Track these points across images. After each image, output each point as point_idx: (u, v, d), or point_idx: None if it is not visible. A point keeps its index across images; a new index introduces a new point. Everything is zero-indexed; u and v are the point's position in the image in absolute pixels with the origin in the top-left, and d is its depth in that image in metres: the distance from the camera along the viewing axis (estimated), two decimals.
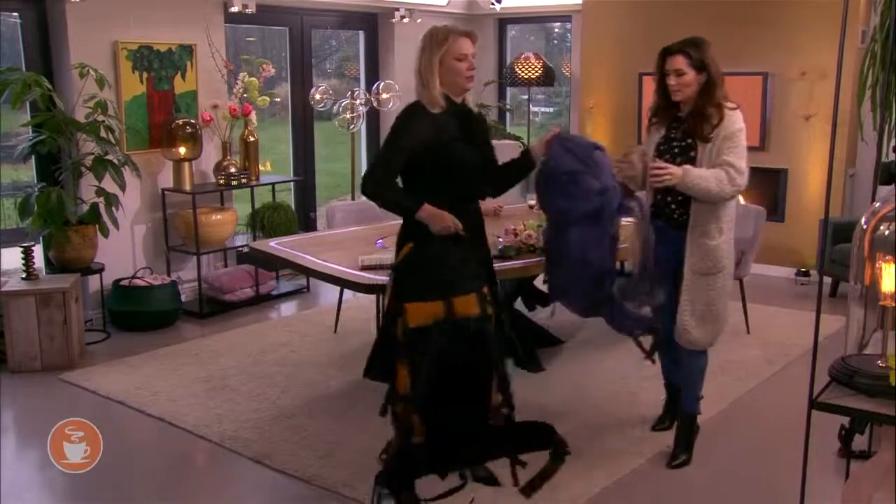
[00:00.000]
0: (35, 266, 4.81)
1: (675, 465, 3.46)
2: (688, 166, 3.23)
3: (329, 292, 6.01)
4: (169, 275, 5.70)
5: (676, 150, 3.33)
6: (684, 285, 3.35)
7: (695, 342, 3.40)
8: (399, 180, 2.94)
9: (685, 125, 3.33)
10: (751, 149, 6.74)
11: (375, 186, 2.87)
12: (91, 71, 4.98)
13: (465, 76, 2.88)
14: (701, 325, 3.37)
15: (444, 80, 2.86)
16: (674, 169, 3.20)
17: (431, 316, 2.68)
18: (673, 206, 3.34)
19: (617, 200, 3.03)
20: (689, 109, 3.31)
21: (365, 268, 3.95)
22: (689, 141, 3.31)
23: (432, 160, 2.85)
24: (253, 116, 5.96)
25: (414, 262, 2.80)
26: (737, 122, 3.26)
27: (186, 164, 5.63)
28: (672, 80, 3.27)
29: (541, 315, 5.00)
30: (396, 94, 6.73)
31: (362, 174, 3.00)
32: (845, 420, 3.32)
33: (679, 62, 3.25)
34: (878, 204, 2.28)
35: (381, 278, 3.73)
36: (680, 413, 3.59)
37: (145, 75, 5.55)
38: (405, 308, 2.71)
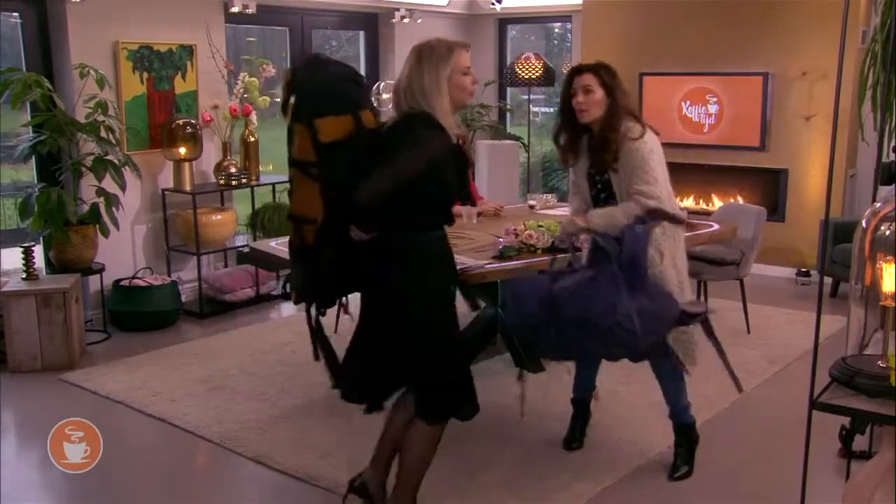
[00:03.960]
0: (35, 266, 4.81)
1: (676, 477, 3.41)
2: (590, 212, 3.23)
3: None
4: (169, 275, 5.70)
5: (599, 187, 3.30)
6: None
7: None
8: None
9: (592, 157, 3.27)
10: (751, 149, 6.74)
11: (372, 198, 2.65)
12: (91, 71, 4.98)
13: (468, 91, 2.79)
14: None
15: (452, 98, 2.73)
16: (568, 225, 3.25)
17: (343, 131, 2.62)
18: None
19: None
20: (592, 142, 3.25)
21: None
22: (606, 175, 3.26)
23: (436, 180, 2.71)
24: (253, 117, 5.97)
25: None
26: (639, 151, 3.14)
27: (187, 165, 5.63)
28: (580, 98, 3.19)
29: None
30: None
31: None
32: (846, 420, 3.29)
33: (588, 79, 3.19)
34: (878, 204, 2.27)
35: None
36: (675, 426, 3.50)
37: (146, 75, 5.55)
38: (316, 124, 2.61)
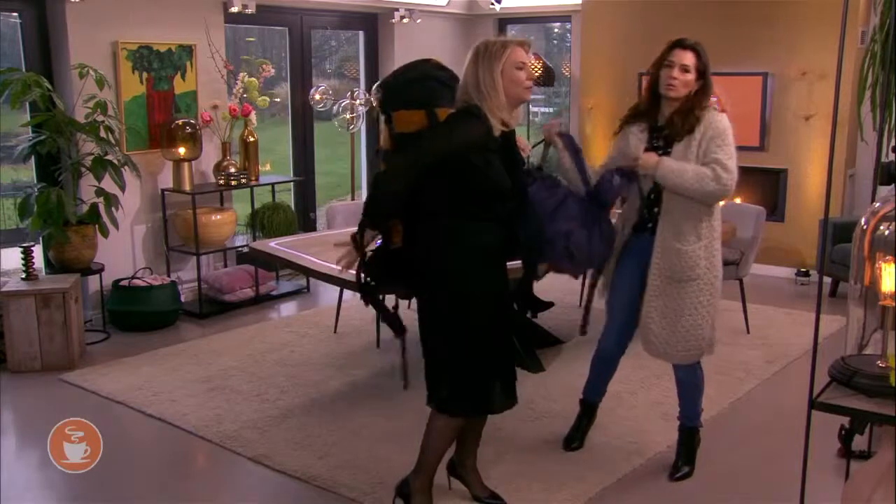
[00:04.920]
0: (35, 266, 4.81)
1: (677, 478, 3.40)
2: (665, 158, 3.16)
3: (329, 292, 6.01)
4: (169, 275, 5.70)
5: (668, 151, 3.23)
6: (649, 291, 3.24)
7: (661, 355, 3.31)
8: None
9: (667, 128, 3.22)
10: (751, 149, 6.77)
11: (395, 174, 2.83)
12: (91, 71, 4.98)
13: (524, 86, 2.80)
14: (668, 337, 3.23)
15: (507, 93, 2.77)
16: (646, 157, 3.15)
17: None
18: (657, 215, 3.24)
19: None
20: (675, 109, 3.20)
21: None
22: (670, 149, 3.21)
23: (466, 168, 2.75)
24: (253, 117, 5.96)
25: None
26: (724, 122, 3.19)
27: (186, 165, 5.63)
28: (675, 73, 3.14)
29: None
30: None
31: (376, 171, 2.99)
32: (845, 420, 3.31)
33: (689, 58, 3.16)
34: (877, 204, 2.28)
35: None
36: (680, 427, 3.49)
37: (145, 75, 5.55)
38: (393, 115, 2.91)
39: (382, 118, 3.00)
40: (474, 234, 2.82)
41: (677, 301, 3.21)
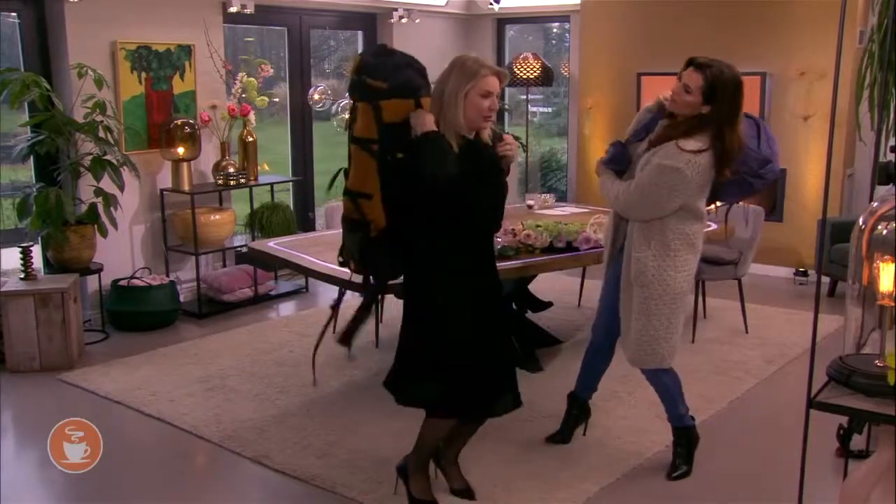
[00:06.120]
0: (34, 266, 4.81)
1: (675, 477, 3.41)
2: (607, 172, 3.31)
3: (328, 292, 6.01)
4: (167, 275, 5.70)
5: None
6: (620, 293, 3.33)
7: (628, 356, 3.37)
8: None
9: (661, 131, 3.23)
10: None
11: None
12: (89, 71, 4.98)
13: (483, 115, 2.81)
14: (630, 340, 3.30)
15: (465, 115, 2.78)
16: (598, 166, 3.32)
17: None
18: None
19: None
20: (672, 122, 3.19)
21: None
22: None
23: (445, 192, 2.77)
24: (251, 116, 5.97)
25: None
26: (666, 159, 3.06)
27: (185, 165, 5.63)
28: (676, 89, 3.12)
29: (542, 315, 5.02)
30: None
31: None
32: (843, 419, 3.32)
33: (694, 79, 3.06)
34: (875, 204, 2.28)
35: None
36: (673, 429, 3.49)
37: (144, 75, 5.55)
38: (381, 106, 2.82)
39: (360, 104, 2.87)
40: (433, 241, 2.88)
41: (632, 303, 3.28)
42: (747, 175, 3.23)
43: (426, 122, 2.77)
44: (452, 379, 2.90)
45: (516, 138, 3.44)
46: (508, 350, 3.14)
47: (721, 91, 3.06)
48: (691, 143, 3.07)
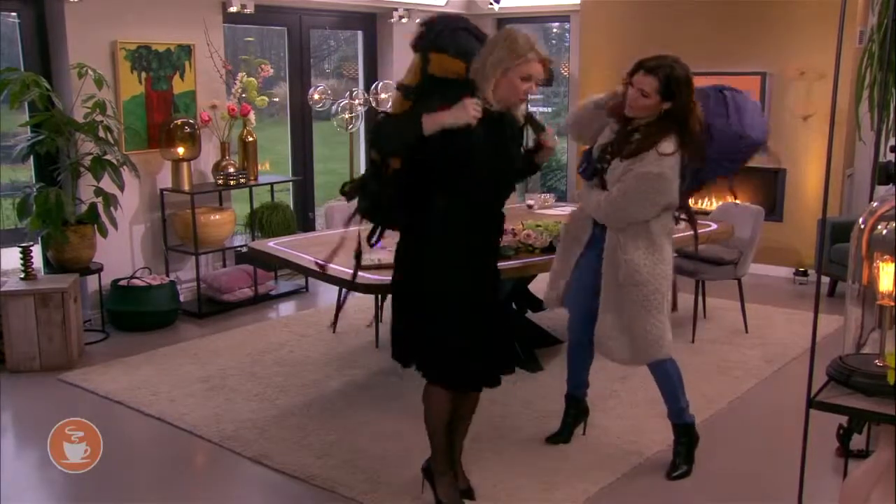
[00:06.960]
0: (34, 266, 4.81)
1: (675, 477, 3.41)
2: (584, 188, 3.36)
3: (328, 292, 6.02)
4: (167, 275, 5.70)
5: (608, 158, 3.26)
6: (602, 304, 3.33)
7: (612, 355, 3.37)
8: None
9: (617, 139, 3.25)
10: None
11: (381, 131, 2.88)
12: (89, 71, 4.98)
13: (519, 96, 2.81)
14: (618, 338, 3.32)
15: (498, 89, 2.78)
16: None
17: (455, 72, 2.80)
18: None
19: None
20: (630, 127, 3.22)
21: (364, 268, 3.94)
22: (616, 160, 3.24)
23: (449, 153, 2.75)
24: (251, 116, 5.97)
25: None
26: (650, 166, 3.12)
27: (185, 165, 5.63)
28: (632, 94, 3.15)
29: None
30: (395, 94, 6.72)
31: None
32: (843, 419, 3.33)
33: (647, 83, 3.11)
34: (875, 203, 2.28)
35: (381, 278, 3.74)
36: (674, 426, 3.50)
37: (144, 75, 5.55)
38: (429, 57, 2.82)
39: (415, 57, 2.91)
40: (439, 219, 2.86)
41: (626, 305, 3.28)
42: (724, 160, 3.30)
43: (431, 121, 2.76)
44: (443, 350, 2.88)
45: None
46: (502, 325, 3.11)
47: (676, 86, 3.13)
48: (667, 146, 3.14)
